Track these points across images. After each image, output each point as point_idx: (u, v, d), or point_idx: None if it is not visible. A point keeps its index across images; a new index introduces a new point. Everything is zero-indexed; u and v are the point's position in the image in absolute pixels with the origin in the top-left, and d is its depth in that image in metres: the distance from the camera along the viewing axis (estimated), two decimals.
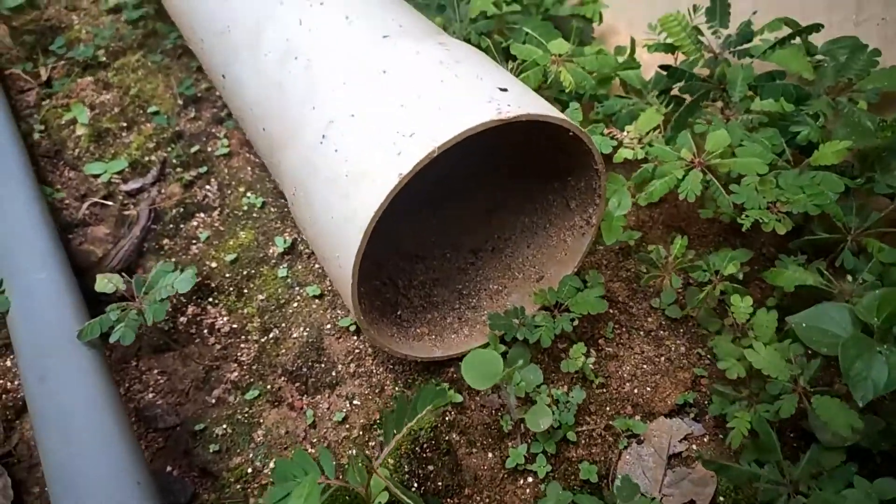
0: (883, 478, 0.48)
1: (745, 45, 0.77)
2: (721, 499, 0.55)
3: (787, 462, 0.50)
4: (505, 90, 0.52)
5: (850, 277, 0.59)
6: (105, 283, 0.61)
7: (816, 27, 0.75)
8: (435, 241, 0.74)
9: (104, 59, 1.14)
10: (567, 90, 0.71)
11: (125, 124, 1.01)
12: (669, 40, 0.76)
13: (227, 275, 0.77)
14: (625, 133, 0.73)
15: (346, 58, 0.58)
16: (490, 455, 0.59)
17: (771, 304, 0.65)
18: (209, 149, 0.94)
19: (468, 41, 0.78)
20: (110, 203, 0.91)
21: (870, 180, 0.64)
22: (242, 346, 0.71)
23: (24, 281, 0.65)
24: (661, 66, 0.77)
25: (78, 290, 0.66)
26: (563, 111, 0.67)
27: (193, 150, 0.93)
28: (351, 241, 0.50)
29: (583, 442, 0.59)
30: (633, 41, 0.89)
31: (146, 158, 0.94)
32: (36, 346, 0.59)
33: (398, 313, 0.66)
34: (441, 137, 0.48)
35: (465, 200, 0.75)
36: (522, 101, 0.52)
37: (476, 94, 0.51)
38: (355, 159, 0.51)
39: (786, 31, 0.76)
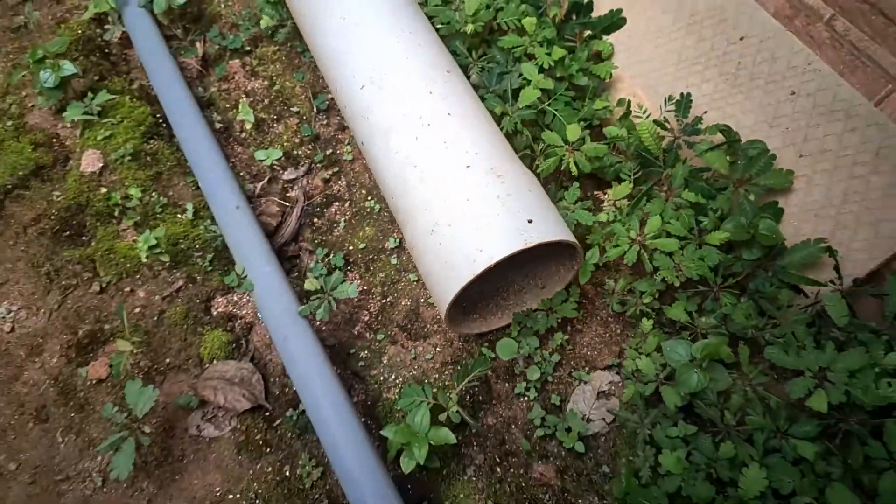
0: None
1: (693, 137, 1.18)
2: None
3: (647, 406, 1.04)
4: (531, 221, 0.98)
5: (707, 318, 1.08)
6: (311, 283, 1.13)
7: (737, 139, 1.16)
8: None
9: (248, 47, 1.53)
10: (573, 173, 1.15)
11: (275, 117, 1.44)
12: (646, 137, 1.18)
13: (360, 255, 1.28)
14: (606, 195, 1.18)
15: (444, 178, 1.03)
16: (507, 385, 1.14)
17: (656, 329, 1.14)
18: (338, 152, 1.39)
19: (515, 127, 1.20)
20: (275, 185, 1.39)
21: (737, 257, 1.10)
22: (370, 301, 1.24)
23: (257, 272, 1.17)
24: (636, 152, 1.19)
25: (286, 277, 1.18)
26: (571, 186, 1.12)
27: (328, 152, 1.39)
28: (443, 301, 1.01)
29: (555, 382, 1.14)
30: (629, 105, 1.29)
31: (295, 152, 1.40)
32: (275, 317, 1.12)
33: (464, 305, 1.17)
34: (496, 256, 0.95)
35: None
36: (543, 230, 0.97)
37: (513, 226, 0.97)
38: (449, 256, 1.00)
39: (720, 136, 1.17)
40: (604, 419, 1.09)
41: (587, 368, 1.14)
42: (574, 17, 1.37)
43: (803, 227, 1.14)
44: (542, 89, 1.21)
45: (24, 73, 1.37)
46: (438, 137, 1.07)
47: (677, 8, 1.27)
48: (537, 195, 1.04)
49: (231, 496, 1.04)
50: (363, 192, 1.34)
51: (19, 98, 1.38)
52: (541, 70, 1.25)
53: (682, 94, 1.19)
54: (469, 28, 1.28)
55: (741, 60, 1.20)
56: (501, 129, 1.18)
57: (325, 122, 1.43)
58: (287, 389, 1.14)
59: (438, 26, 1.31)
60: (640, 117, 1.22)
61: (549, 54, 1.26)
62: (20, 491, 1.03)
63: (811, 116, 1.13)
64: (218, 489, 1.04)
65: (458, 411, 1.03)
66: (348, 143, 1.40)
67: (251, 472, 1.06)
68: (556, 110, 1.20)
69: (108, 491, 1.05)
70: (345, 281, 1.14)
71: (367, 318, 1.21)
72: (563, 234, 0.99)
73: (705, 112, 1.21)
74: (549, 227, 0.99)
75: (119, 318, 1.14)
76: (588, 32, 1.36)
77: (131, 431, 1.02)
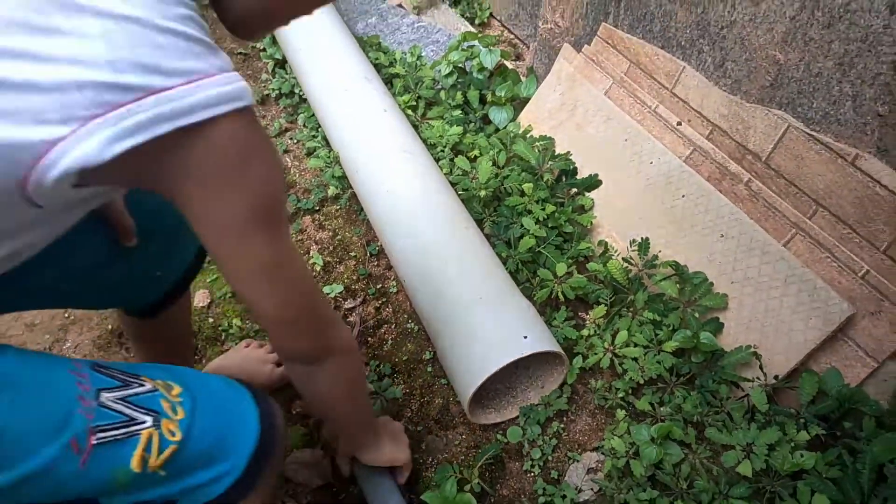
0: None
1: (652, 270, 1.57)
2: None
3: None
4: (526, 337, 1.37)
5: (665, 408, 1.42)
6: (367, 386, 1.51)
7: (684, 271, 1.54)
8: None
9: (317, 207, 2.01)
10: (561, 299, 1.55)
11: (338, 260, 1.89)
12: (616, 272, 1.57)
13: (403, 366, 1.66)
14: (588, 315, 1.56)
15: (462, 308, 1.44)
16: (517, 463, 1.48)
17: (628, 417, 1.49)
18: (386, 286, 1.82)
19: (517, 266, 1.61)
20: (338, 312, 1.81)
21: (687, 360, 1.46)
22: (412, 401, 1.60)
23: None
24: (610, 283, 1.58)
25: None
26: (559, 310, 1.51)
27: (378, 286, 1.81)
28: (464, 399, 1.38)
29: (553, 461, 1.47)
30: (606, 246, 1.69)
31: (353, 286, 1.83)
32: None
33: (482, 402, 1.54)
34: (500, 364, 1.33)
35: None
36: (535, 343, 1.36)
37: (513, 341, 1.36)
38: (467, 365, 1.38)
39: (671, 269, 1.56)
40: (591, 489, 1.41)
41: (579, 450, 1.48)
42: (563, 179, 1.81)
43: (739, 336, 1.49)
44: (536, 237, 1.63)
45: None
46: (458, 278, 1.48)
47: (636, 175, 1.70)
48: (532, 317, 1.43)
49: None
50: (405, 316, 1.75)
51: None
52: (537, 222, 1.67)
53: (642, 238, 1.60)
54: (482, 193, 1.72)
55: (684, 212, 1.61)
56: (507, 268, 1.59)
57: (375, 263, 1.86)
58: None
59: (460, 192, 1.76)
60: (612, 256, 1.62)
61: (543, 209, 1.69)
62: None
63: (736, 253, 1.52)
64: None
65: (478, 482, 1.37)
66: (394, 280, 1.82)
67: None
68: (548, 253, 1.61)
69: None
70: (392, 385, 1.52)
71: (409, 414, 1.58)
72: (550, 346, 1.37)
73: (660, 251, 1.61)
74: (540, 342, 1.37)
75: None
76: (574, 190, 1.79)
77: None
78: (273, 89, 2.33)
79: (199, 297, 1.77)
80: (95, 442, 0.64)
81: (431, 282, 1.49)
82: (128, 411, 0.66)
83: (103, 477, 0.65)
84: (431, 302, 1.49)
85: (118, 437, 0.64)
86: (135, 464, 0.65)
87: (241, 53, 2.59)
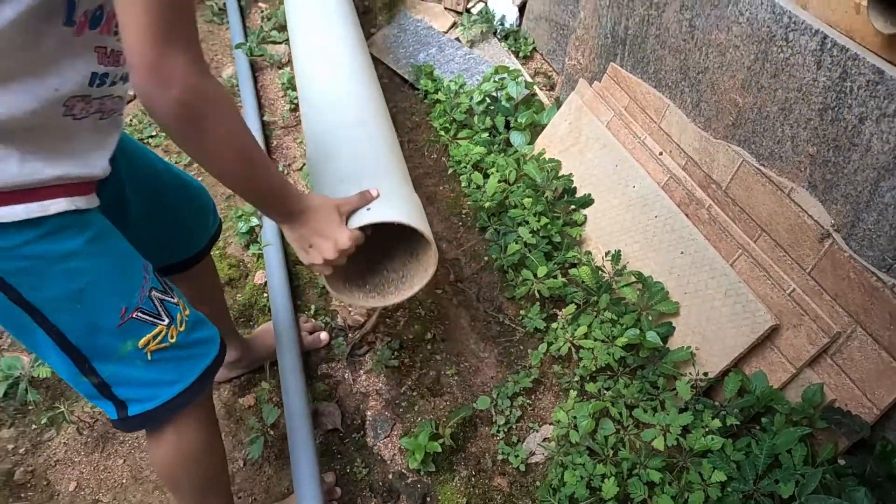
0: None
1: (619, 278, 1.83)
2: None
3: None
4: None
5: (610, 392, 1.68)
6: (376, 356, 1.87)
7: (645, 280, 1.79)
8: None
9: None
10: (537, 297, 1.84)
11: None
12: (586, 276, 1.84)
13: (410, 343, 2.00)
14: (561, 312, 1.84)
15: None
16: (486, 428, 1.78)
17: (579, 398, 1.75)
18: None
19: (504, 266, 1.92)
20: None
21: (634, 355, 1.71)
22: (412, 371, 1.94)
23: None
24: (583, 285, 1.86)
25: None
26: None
27: None
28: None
29: (516, 429, 1.76)
30: (590, 256, 1.97)
31: None
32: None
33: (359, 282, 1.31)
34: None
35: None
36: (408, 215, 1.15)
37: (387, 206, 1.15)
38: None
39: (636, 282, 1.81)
40: (542, 453, 1.70)
41: (539, 422, 1.76)
42: (564, 197, 2.10)
43: (686, 339, 1.73)
44: (526, 243, 1.93)
45: (228, 223, 2.31)
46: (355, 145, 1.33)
47: (621, 196, 1.97)
48: (414, 201, 1.23)
49: None
50: (416, 302, 2.09)
51: (224, 237, 2.31)
52: (531, 231, 1.97)
53: (615, 251, 1.86)
54: (488, 204, 2.05)
55: (654, 230, 1.86)
56: (497, 267, 1.90)
57: None
58: (355, 422, 1.86)
59: (470, 202, 2.08)
60: (591, 264, 1.90)
61: (538, 221, 1.99)
62: None
63: (691, 268, 1.75)
64: None
65: (450, 436, 1.69)
66: None
67: (330, 464, 1.77)
68: (534, 257, 1.91)
69: (246, 470, 1.79)
70: (393, 358, 1.87)
71: (409, 382, 1.92)
72: (420, 223, 1.15)
73: (628, 262, 1.87)
74: (412, 217, 1.14)
75: (264, 372, 1.94)
76: (571, 206, 2.07)
77: (262, 433, 1.78)
78: None
79: (258, 276, 2.20)
80: (134, 316, 0.97)
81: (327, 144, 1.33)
82: (159, 309, 1.03)
83: (120, 339, 0.95)
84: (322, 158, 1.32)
85: (146, 320, 1.00)
86: (142, 342, 1.00)
87: None
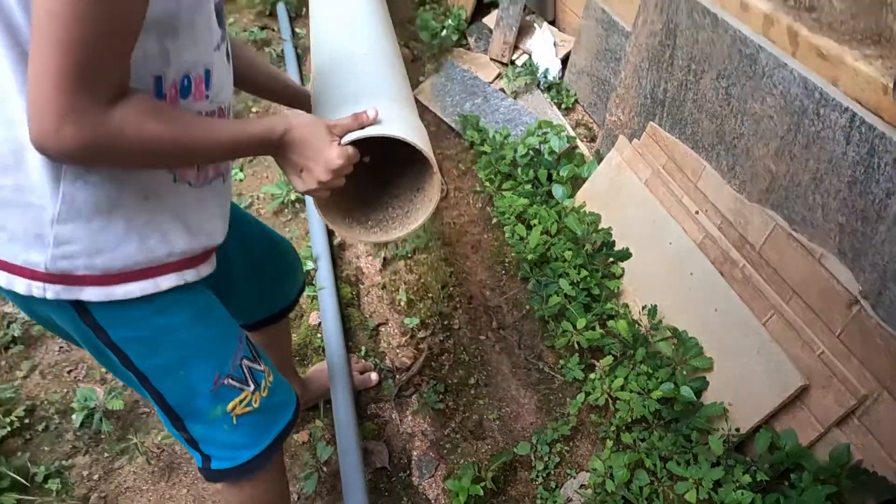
0: None
1: (655, 332, 1.92)
2: None
3: None
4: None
5: (645, 443, 1.77)
6: (422, 399, 1.99)
7: (680, 335, 1.88)
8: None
9: (410, 254, 2.53)
10: (576, 347, 1.94)
11: (418, 298, 2.39)
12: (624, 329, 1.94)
13: (455, 385, 2.12)
14: (599, 363, 1.94)
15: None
16: (526, 472, 1.88)
17: (615, 447, 1.83)
18: (451, 323, 2.29)
19: (545, 317, 2.03)
20: (413, 340, 2.30)
21: (669, 408, 1.79)
22: (456, 414, 2.05)
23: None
24: (620, 338, 1.95)
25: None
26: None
27: (445, 322, 2.29)
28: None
29: (554, 475, 1.86)
30: (627, 308, 2.06)
31: (427, 321, 2.31)
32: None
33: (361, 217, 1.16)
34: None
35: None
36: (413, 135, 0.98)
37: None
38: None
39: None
40: (580, 500, 1.79)
41: (577, 469, 1.86)
42: (603, 250, 2.21)
43: (719, 394, 1.81)
44: (567, 295, 2.04)
45: None
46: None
47: (658, 251, 2.06)
48: (410, 122, 1.07)
49: None
50: (461, 348, 2.21)
51: None
52: (571, 283, 2.08)
53: (651, 305, 1.96)
54: (531, 256, 2.16)
55: (690, 286, 1.95)
56: (539, 317, 2.01)
57: (446, 304, 2.35)
58: (401, 461, 1.98)
59: (514, 254, 2.20)
60: (627, 317, 1.99)
61: (578, 273, 2.09)
62: None
63: (725, 325, 1.84)
64: None
65: (492, 479, 1.79)
66: (457, 319, 2.29)
67: (378, 501, 1.89)
68: (573, 309, 2.01)
69: (300, 501, 1.92)
70: (439, 400, 1.99)
71: (452, 425, 2.03)
72: (424, 144, 1.01)
73: (664, 316, 1.96)
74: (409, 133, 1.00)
75: (318, 410, 2.07)
76: (609, 259, 2.18)
77: (316, 469, 1.91)
78: None
79: (313, 317, 2.34)
80: (225, 383, 1.06)
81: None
82: (247, 376, 1.14)
83: (212, 403, 1.04)
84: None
85: (235, 387, 1.12)
86: (230, 406, 1.14)
87: None
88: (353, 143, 0.97)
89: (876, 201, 1.52)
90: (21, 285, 0.91)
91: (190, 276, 1.01)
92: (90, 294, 0.92)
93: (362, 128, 0.97)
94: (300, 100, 1.31)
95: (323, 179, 0.94)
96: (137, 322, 0.99)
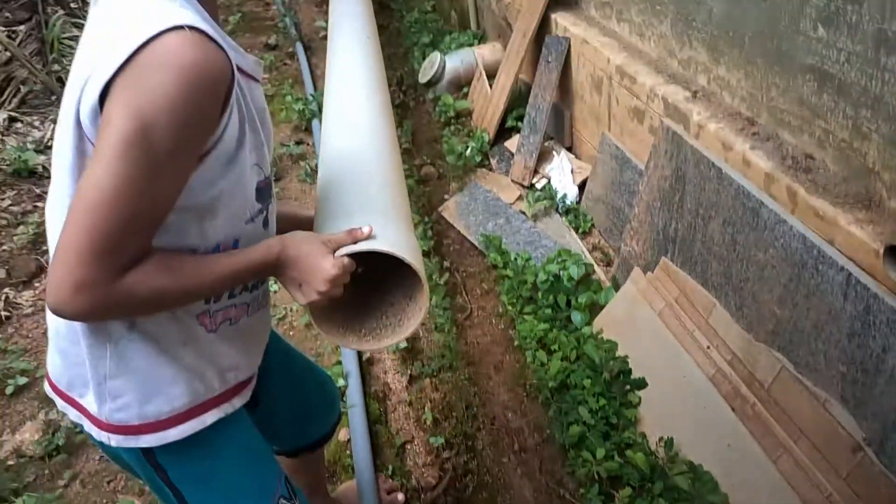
0: None
1: (671, 465, 2.02)
2: None
3: None
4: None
5: None
6: None
7: (695, 470, 1.98)
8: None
9: (436, 372, 2.66)
10: (596, 478, 2.04)
11: (443, 417, 2.50)
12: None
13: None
14: (618, 494, 2.03)
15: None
16: None
17: None
18: (475, 444, 2.39)
19: (566, 443, 2.14)
20: (437, 459, 2.40)
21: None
22: None
23: None
24: (637, 469, 2.05)
25: None
26: None
27: (469, 443, 2.39)
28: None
29: None
30: (644, 438, 2.17)
31: (451, 440, 2.42)
32: None
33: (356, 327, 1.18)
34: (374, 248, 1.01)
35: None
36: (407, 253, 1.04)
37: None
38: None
39: None
40: None
41: None
42: (620, 377, 2.33)
43: None
44: (587, 424, 2.15)
45: None
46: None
47: (672, 383, 2.18)
48: (401, 236, 1.14)
49: None
50: (485, 469, 2.30)
51: None
52: (590, 411, 2.19)
53: (668, 438, 2.07)
54: (551, 384, 2.29)
55: (704, 420, 2.06)
56: (559, 445, 2.12)
57: (470, 424, 2.46)
58: None
59: (535, 379, 2.33)
60: (644, 447, 2.10)
61: (597, 402, 2.21)
62: None
63: (738, 461, 1.94)
64: None
65: None
66: (481, 439, 2.40)
67: None
68: (592, 438, 2.12)
69: None
70: None
71: None
72: (415, 261, 1.06)
73: (680, 448, 2.06)
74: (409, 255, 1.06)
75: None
76: (627, 387, 2.30)
77: None
78: None
79: (342, 434, 2.46)
80: None
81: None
82: None
83: None
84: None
85: None
86: None
87: None
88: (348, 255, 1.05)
89: (873, 355, 1.65)
90: (91, 429, 1.06)
91: (228, 409, 1.14)
92: (147, 441, 1.05)
93: (356, 242, 1.03)
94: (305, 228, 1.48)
95: (322, 290, 0.98)
96: (191, 461, 1.12)
